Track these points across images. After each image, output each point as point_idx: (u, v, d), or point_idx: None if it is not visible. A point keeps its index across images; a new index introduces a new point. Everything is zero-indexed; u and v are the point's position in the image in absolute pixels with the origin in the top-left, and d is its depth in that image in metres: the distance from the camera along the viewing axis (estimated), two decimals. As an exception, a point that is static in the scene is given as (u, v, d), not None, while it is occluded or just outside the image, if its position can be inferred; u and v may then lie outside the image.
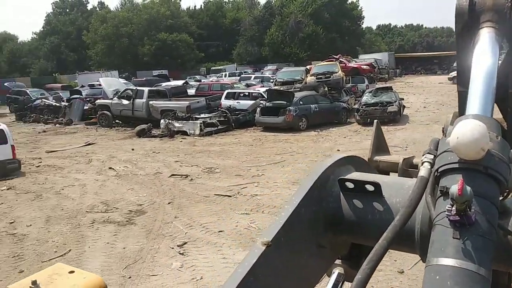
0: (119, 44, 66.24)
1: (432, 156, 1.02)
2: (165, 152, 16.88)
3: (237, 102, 23.74)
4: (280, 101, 20.70)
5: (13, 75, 70.09)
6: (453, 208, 0.84)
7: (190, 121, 21.01)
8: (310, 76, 25.40)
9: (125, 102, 24.47)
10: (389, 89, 23.03)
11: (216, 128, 20.98)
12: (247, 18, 74.21)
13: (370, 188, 1.18)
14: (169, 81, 39.61)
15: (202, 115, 21.76)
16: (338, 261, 1.36)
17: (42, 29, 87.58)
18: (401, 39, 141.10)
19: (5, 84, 45.35)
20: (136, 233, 8.59)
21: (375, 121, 2.22)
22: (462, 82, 1.29)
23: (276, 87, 25.56)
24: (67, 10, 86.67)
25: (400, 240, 0.96)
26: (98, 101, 27.12)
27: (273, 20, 70.11)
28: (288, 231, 1.07)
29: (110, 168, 14.55)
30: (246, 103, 23.23)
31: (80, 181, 12.99)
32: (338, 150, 16.07)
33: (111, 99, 25.81)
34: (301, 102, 20.67)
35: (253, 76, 44.54)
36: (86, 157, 16.64)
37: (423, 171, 1.00)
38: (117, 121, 25.41)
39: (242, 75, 47.03)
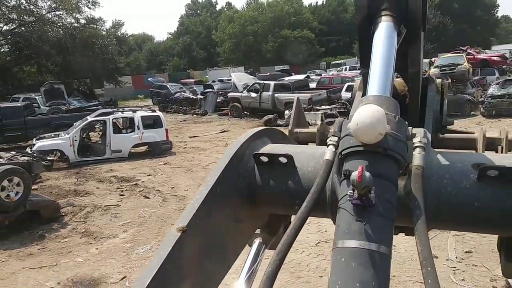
0: (245, 42, 70.18)
1: (336, 138, 1.07)
2: (290, 139, 18.63)
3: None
4: (401, 94, 21.23)
5: (150, 71, 78.23)
6: (355, 192, 0.89)
7: (312, 112, 22.52)
8: (434, 68, 25.33)
9: (253, 95, 26.81)
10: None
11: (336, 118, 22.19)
12: (369, 12, 73.46)
13: (283, 160, 1.23)
14: (291, 75, 41.54)
15: (323, 107, 23.14)
16: (257, 231, 1.42)
17: (176, 30, 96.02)
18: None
19: (149, 79, 51.32)
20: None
21: (296, 97, 2.46)
22: (364, 64, 1.34)
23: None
24: (198, 11, 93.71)
25: (314, 209, 1.01)
26: (229, 94, 29.95)
27: (397, 12, 68.46)
28: (204, 213, 1.09)
29: (243, 150, 16.70)
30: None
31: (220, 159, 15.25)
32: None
33: (241, 92, 28.39)
34: (422, 94, 20.99)
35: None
36: (223, 141, 19.08)
37: (328, 154, 1.06)
38: (245, 112, 27.90)
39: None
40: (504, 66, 33.72)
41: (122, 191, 12.04)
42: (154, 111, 20.18)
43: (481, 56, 34.40)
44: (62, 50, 40.20)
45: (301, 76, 36.22)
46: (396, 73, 1.43)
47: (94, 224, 9.54)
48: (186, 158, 16.12)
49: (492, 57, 34.65)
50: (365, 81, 1.35)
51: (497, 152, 1.91)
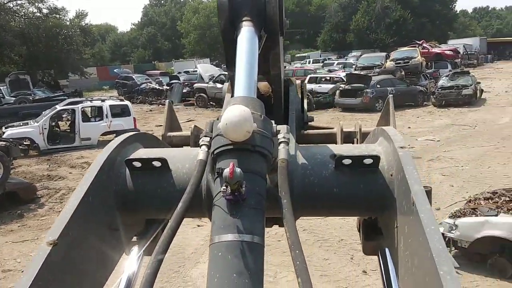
0: (210, 34, 70.43)
1: (208, 139, 1.09)
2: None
3: (318, 86, 25.90)
4: (358, 84, 22.57)
5: (115, 63, 77.48)
6: (228, 188, 0.94)
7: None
8: (390, 61, 26.83)
9: (219, 85, 27.54)
10: (466, 73, 23.93)
11: (299, 108, 23.38)
12: (332, 5, 75.04)
13: (157, 164, 1.22)
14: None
15: (287, 97, 24.22)
16: (135, 238, 1.40)
17: (139, 20, 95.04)
18: (499, 22, 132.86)
19: (115, 70, 51.23)
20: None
21: (167, 101, 2.42)
22: (231, 67, 1.36)
23: (356, 72, 27.35)
24: (162, 2, 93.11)
25: (191, 209, 1.01)
26: (195, 85, 30.65)
27: (359, 6, 70.16)
28: (76, 223, 1.06)
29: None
30: (327, 87, 25.33)
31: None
32: (409, 128, 17.80)
33: (207, 83, 29.11)
34: (378, 85, 22.41)
35: (336, 62, 46.15)
36: (189, 130, 19.76)
37: (201, 154, 1.07)
38: (211, 102, 28.65)
39: (325, 62, 48.77)
40: (456, 60, 35.77)
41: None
42: (122, 100, 20.71)
43: (436, 50, 36.37)
44: (26, 41, 39.75)
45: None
46: (261, 75, 1.55)
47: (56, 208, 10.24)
48: (154, 145, 16.80)
49: (446, 51, 36.70)
50: (232, 84, 1.38)
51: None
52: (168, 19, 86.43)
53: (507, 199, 7.32)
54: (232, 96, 1.22)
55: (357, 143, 1.98)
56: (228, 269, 0.88)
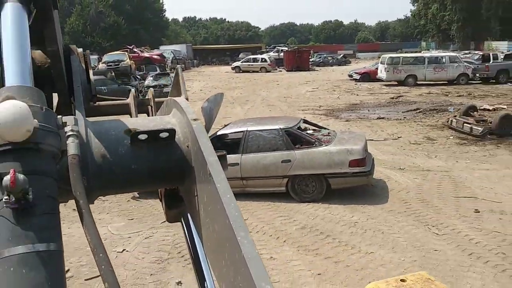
0: None
1: None
2: None
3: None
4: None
5: None
6: (11, 197, 0.82)
7: None
8: (102, 63, 29.65)
9: None
10: (167, 74, 28.85)
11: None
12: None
13: None
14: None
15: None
16: None
17: None
18: (206, 31, 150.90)
19: None
20: None
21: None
22: None
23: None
24: None
25: None
26: None
27: (73, 9, 70.46)
28: None
29: None
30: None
31: None
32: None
33: None
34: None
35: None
36: None
37: None
38: None
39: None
40: (162, 64, 41.19)
41: None
42: None
43: (145, 54, 41.02)
44: None
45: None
46: (35, 48, 1.44)
47: None
48: None
49: (153, 56, 41.86)
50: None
51: (148, 113, 1.90)
52: None
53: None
54: (2, 85, 1.02)
55: (151, 110, 1.91)
56: (24, 284, 0.78)
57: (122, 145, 1.15)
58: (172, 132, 1.14)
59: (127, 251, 7.47)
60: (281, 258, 7.19)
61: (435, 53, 42.55)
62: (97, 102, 1.83)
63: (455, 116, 16.37)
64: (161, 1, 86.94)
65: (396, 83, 31.92)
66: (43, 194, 0.88)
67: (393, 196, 9.68)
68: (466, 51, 47.24)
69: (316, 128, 11.24)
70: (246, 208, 9.28)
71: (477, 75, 31.47)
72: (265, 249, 7.43)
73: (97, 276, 6.88)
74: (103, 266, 0.81)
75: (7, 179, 0.81)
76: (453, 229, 7.90)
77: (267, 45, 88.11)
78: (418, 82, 31.10)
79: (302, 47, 73.60)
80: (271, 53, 60.87)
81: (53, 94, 1.64)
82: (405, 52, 52.92)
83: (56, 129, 0.96)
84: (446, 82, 30.95)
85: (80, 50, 1.72)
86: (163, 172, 1.17)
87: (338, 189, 9.48)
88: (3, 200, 0.83)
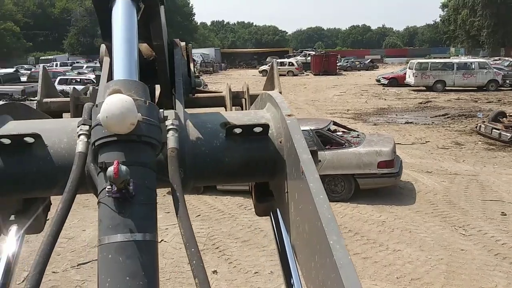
0: None
1: (87, 127, 0.99)
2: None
3: (69, 87, 27.55)
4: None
5: None
6: (113, 186, 0.86)
7: (27, 102, 24.43)
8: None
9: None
10: (197, 77, 29.44)
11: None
12: (78, 9, 74.80)
13: (30, 140, 1.10)
14: (-3, 69, 40.51)
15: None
16: (12, 217, 1.28)
17: None
18: (233, 35, 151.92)
19: None
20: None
21: (41, 65, 2.35)
22: (105, 36, 1.25)
23: (103, 75, 30.02)
24: None
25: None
26: None
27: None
28: None
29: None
30: (78, 88, 27.13)
31: None
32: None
33: None
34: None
35: (85, 65, 47.50)
36: None
37: (80, 145, 0.97)
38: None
39: (74, 65, 49.45)
40: (194, 67, 41.84)
41: None
42: None
43: (175, 57, 41.80)
44: None
45: (11, 70, 36.25)
46: (142, 41, 1.47)
47: None
48: None
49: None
50: (110, 52, 1.32)
51: (242, 106, 2.00)
52: None
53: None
54: (110, 75, 1.12)
55: (245, 103, 1.98)
56: (120, 271, 0.82)
57: (217, 138, 1.18)
58: (266, 127, 1.15)
59: (165, 241, 7.92)
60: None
61: (464, 59, 41.99)
62: (195, 95, 1.93)
63: (484, 122, 16.36)
64: (190, 5, 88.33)
65: (424, 88, 31.75)
66: (143, 185, 0.91)
67: (420, 197, 9.88)
68: (496, 58, 46.57)
69: (346, 130, 11.53)
70: (276, 205, 9.64)
71: (507, 81, 31.04)
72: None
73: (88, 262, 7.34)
74: (194, 261, 0.81)
75: (111, 169, 0.85)
76: (480, 231, 8.08)
77: (294, 49, 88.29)
78: (446, 88, 30.87)
79: (329, 51, 73.82)
80: (299, 57, 61.05)
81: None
82: (434, 58, 52.36)
83: (158, 122, 1.00)
84: (475, 88, 30.64)
85: (183, 44, 1.79)
86: (255, 166, 1.19)
87: (366, 190, 9.72)
88: (106, 189, 0.87)
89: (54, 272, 6.92)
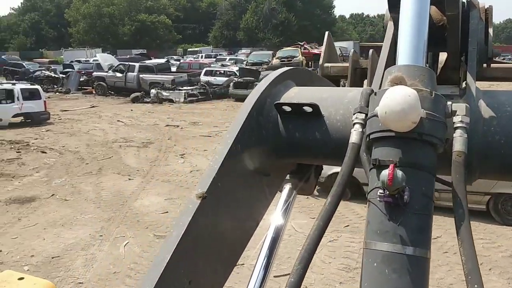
0: (101, 23, 69.55)
1: (363, 116, 0.92)
2: (158, 113, 21.75)
3: (214, 78, 28.63)
4: (249, 78, 25.71)
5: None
6: (385, 191, 0.79)
7: (176, 91, 25.83)
8: (276, 59, 30.53)
9: (118, 75, 28.99)
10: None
11: (196, 98, 25.92)
12: (223, 3, 78.32)
13: (308, 109, 1.11)
14: (150, 59, 43.91)
15: (185, 88, 26.58)
16: (288, 176, 1.32)
17: (20, 5, 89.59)
18: (372, 28, 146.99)
19: (2, 57, 48.95)
20: (151, 150, 13.64)
21: (327, 32, 2.25)
22: (393, 6, 1.14)
23: (247, 67, 30.63)
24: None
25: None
26: (94, 73, 31.54)
27: (248, 6, 74.26)
28: (226, 174, 1.01)
29: (118, 120, 19.38)
30: (222, 79, 28.17)
31: (99, 127, 17.83)
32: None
33: (106, 72, 30.24)
34: (265, 79, 25.81)
35: (228, 58, 49.33)
36: (96, 114, 21.31)
37: (354, 135, 0.92)
38: (110, 91, 29.88)
39: (218, 57, 51.69)
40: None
41: (17, 149, 14.01)
42: (33, 84, 21.46)
43: (315, 51, 41.15)
44: None
45: (162, 60, 39.02)
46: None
47: (6, 169, 11.67)
48: (66, 126, 18.23)
49: (323, 52, 41.76)
50: (395, 24, 1.22)
51: None
52: (53, 5, 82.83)
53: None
54: (394, 53, 1.01)
55: None
56: (384, 284, 0.77)
57: None
58: None
59: (313, 252, 7.28)
60: (490, 289, 6.27)
61: None
62: (491, 65, 1.61)
63: None
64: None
65: None
66: (419, 191, 0.82)
67: None
68: None
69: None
70: (438, 223, 8.41)
71: None
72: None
73: (286, 275, 7.04)
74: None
75: (385, 174, 0.78)
76: None
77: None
78: None
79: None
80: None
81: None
82: None
83: (444, 118, 0.87)
84: None
85: (482, 5, 1.46)
86: None
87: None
88: (378, 193, 0.81)
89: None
